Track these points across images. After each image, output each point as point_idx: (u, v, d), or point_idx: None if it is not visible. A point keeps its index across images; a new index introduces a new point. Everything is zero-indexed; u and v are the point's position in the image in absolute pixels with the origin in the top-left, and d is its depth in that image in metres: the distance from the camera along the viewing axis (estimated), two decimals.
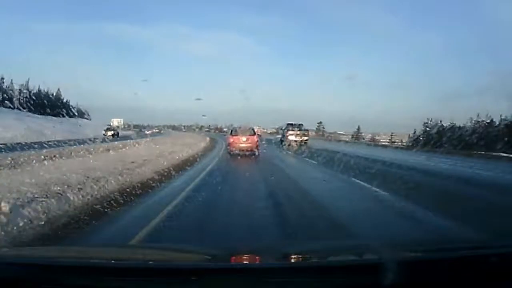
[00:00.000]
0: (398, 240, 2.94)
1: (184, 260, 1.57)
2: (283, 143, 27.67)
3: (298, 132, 28.38)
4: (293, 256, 1.68)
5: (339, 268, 1.33)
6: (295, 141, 27.38)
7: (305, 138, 28.35)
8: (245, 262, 1.63)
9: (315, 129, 68.07)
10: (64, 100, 63.08)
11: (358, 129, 59.62)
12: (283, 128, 31.95)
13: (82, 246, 2.97)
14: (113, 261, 1.52)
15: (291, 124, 29.76)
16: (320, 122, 73.19)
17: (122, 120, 43.29)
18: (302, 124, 29.86)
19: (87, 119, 70.62)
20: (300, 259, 1.62)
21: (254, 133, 18.90)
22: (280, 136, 31.74)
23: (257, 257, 1.75)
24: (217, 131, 65.48)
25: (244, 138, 18.12)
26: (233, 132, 18.94)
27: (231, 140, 18.33)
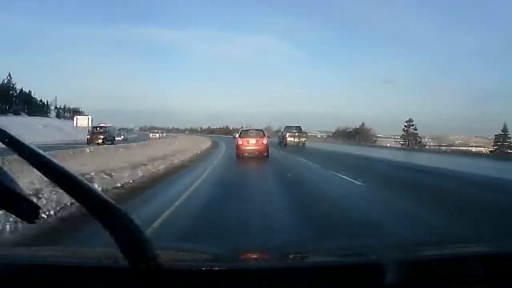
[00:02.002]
0: (398, 240, 2.93)
1: (186, 260, 1.56)
2: (282, 144, 28.88)
3: (296, 134, 30.52)
4: (293, 256, 1.68)
5: (339, 268, 1.33)
6: (293, 142, 29.50)
7: (303, 139, 30.61)
8: (246, 262, 1.63)
9: (402, 134, 64.28)
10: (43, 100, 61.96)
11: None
12: (282, 130, 33.74)
13: (82, 246, 2.97)
14: (112, 261, 1.50)
15: (290, 127, 31.82)
16: (410, 121, 65.59)
17: (90, 118, 36.23)
18: (300, 127, 32.00)
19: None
20: (300, 259, 1.61)
21: (264, 136, 18.35)
22: (279, 138, 33.07)
23: (258, 258, 1.74)
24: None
25: (253, 141, 17.57)
26: (242, 134, 18.31)
27: (240, 142, 17.69)
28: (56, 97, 72.68)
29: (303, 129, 32.07)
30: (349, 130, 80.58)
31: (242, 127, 24.90)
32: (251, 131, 18.47)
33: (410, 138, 62.00)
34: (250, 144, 17.41)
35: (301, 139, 30.55)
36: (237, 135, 20.86)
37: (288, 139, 29.86)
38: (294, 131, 31.10)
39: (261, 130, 18.98)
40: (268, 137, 20.49)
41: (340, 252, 1.79)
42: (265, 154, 17.41)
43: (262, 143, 17.54)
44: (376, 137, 73.96)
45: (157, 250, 1.87)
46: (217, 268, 1.35)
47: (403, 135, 64.32)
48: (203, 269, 1.33)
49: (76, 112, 76.10)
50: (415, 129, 64.10)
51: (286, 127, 32.21)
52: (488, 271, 1.35)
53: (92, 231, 4.83)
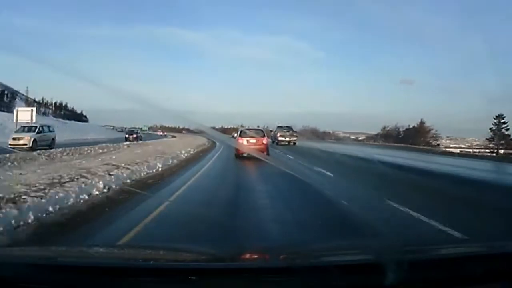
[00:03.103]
0: (398, 240, 2.95)
1: (184, 260, 1.57)
2: (274, 143, 30.63)
3: (287, 134, 32.22)
4: (293, 256, 1.68)
5: (339, 268, 1.32)
6: (284, 141, 31.05)
7: (294, 138, 32.26)
8: (245, 262, 1.63)
9: (490, 135, 43.95)
10: None
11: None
12: (274, 130, 35.07)
13: (82, 246, 2.97)
14: (112, 261, 1.52)
15: (281, 127, 33.84)
16: (501, 117, 43.06)
17: (34, 110, 27.35)
18: (290, 127, 34.04)
19: (84, 121, 70.00)
20: (300, 259, 1.62)
21: (264, 135, 17.84)
22: (271, 137, 34.27)
23: (257, 257, 1.75)
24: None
25: (253, 141, 16.97)
26: (242, 134, 17.76)
27: (239, 142, 17.04)
28: (27, 87, 68.36)
29: (306, 129, 34.23)
30: (399, 129, 61.53)
31: (241, 126, 24.11)
32: (250, 130, 17.99)
33: (502, 141, 42.88)
34: (250, 144, 16.69)
35: (292, 138, 32.10)
36: (235, 135, 20.41)
37: (280, 138, 31.68)
38: (285, 131, 32.83)
39: (261, 130, 18.62)
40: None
41: (340, 252, 1.79)
42: (265, 153, 16.27)
43: (262, 143, 16.91)
44: (436, 138, 56.10)
45: (157, 250, 1.86)
46: (216, 268, 1.36)
47: (491, 137, 44.08)
48: (203, 269, 1.34)
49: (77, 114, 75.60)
50: (507, 129, 44.20)
51: (278, 127, 33.89)
52: (488, 271, 1.36)
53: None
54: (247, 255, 1.79)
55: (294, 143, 31.46)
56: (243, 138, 17.26)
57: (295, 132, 34.08)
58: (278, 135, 32.21)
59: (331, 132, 75.62)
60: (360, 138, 70.95)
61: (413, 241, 2.79)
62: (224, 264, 1.46)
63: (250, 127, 18.95)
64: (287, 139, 31.53)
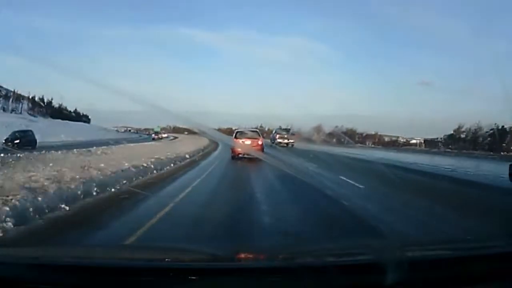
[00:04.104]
0: (398, 240, 2.94)
1: (184, 260, 1.57)
2: (273, 144, 31.87)
3: (285, 136, 33.82)
4: (293, 256, 1.68)
5: (339, 268, 1.33)
6: (282, 143, 32.48)
7: (292, 140, 33.69)
8: (245, 262, 1.63)
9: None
10: None
11: None
12: (273, 132, 37.34)
13: (82, 246, 2.97)
14: (112, 261, 1.52)
15: (280, 129, 35.93)
16: None
17: None
18: (289, 129, 35.84)
19: (85, 121, 69.72)
20: (301, 259, 1.62)
21: (259, 136, 18.02)
22: (270, 139, 35.19)
23: (257, 257, 1.75)
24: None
25: (248, 142, 17.09)
26: (238, 135, 17.84)
27: (235, 143, 16.93)
28: (29, 92, 67.42)
29: (305, 129, 35.28)
30: (483, 132, 45.96)
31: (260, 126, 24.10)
32: (246, 132, 18.14)
33: None
34: (246, 145, 16.71)
35: (289, 140, 33.57)
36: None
37: (278, 140, 33.33)
38: (284, 133, 34.47)
39: (256, 131, 18.83)
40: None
41: (340, 252, 1.79)
42: (261, 152, 16.31)
43: (258, 144, 17.00)
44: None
45: (157, 250, 1.87)
46: (216, 268, 1.36)
47: None
48: (203, 269, 1.34)
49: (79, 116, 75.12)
50: None
51: (277, 129, 35.90)
52: (488, 271, 1.36)
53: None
54: (247, 255, 1.79)
55: (292, 145, 32.69)
56: (239, 139, 17.28)
57: (293, 134, 35.53)
58: (277, 136, 33.78)
59: (375, 133, 68.84)
60: (412, 142, 62.70)
61: (413, 241, 2.78)
62: (224, 264, 1.46)
63: (245, 129, 19.15)
64: (285, 141, 32.94)
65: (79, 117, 79.74)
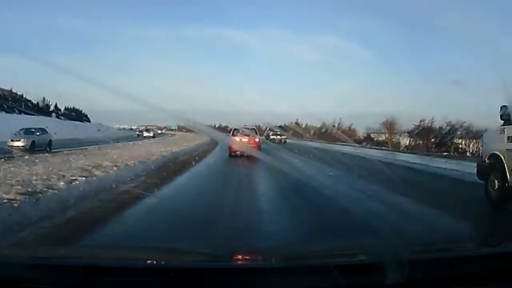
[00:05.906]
0: (398, 240, 3.07)
1: (184, 260, 1.57)
2: (267, 140, 35.30)
3: (278, 133, 37.92)
4: (293, 257, 1.68)
5: (339, 268, 1.29)
6: (275, 139, 36.83)
7: (284, 137, 38.14)
8: (245, 262, 1.63)
9: None
10: None
11: None
12: (267, 130, 41.21)
13: (82, 246, 3.08)
14: (112, 261, 1.51)
15: (274, 126, 39.73)
16: None
17: None
18: (282, 127, 41.61)
19: (86, 121, 69.81)
20: (301, 259, 1.61)
21: (256, 134, 18.12)
22: (265, 136, 40.16)
23: (257, 258, 1.76)
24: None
25: (245, 139, 17.27)
26: (235, 133, 17.93)
27: (232, 140, 17.03)
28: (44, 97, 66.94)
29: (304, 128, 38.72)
30: None
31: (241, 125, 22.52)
32: (243, 129, 18.36)
33: None
34: (242, 143, 17.03)
35: (282, 137, 38.22)
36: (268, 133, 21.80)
37: (271, 136, 38.01)
38: (276, 130, 38.91)
39: (253, 129, 19.21)
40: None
41: (340, 252, 1.79)
42: (258, 150, 16.04)
43: (255, 141, 17.24)
44: None
45: (157, 250, 1.85)
46: (215, 268, 1.37)
47: None
48: (202, 269, 1.35)
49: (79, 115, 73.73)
50: None
51: (271, 127, 40.20)
52: (488, 271, 1.37)
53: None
54: (247, 255, 1.79)
55: (284, 141, 37.56)
56: (236, 137, 17.43)
57: (285, 131, 41.60)
58: (271, 134, 38.66)
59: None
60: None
61: (413, 241, 2.79)
62: (223, 264, 1.45)
63: (242, 126, 19.16)
64: (278, 137, 37.72)
65: (79, 116, 79.38)
